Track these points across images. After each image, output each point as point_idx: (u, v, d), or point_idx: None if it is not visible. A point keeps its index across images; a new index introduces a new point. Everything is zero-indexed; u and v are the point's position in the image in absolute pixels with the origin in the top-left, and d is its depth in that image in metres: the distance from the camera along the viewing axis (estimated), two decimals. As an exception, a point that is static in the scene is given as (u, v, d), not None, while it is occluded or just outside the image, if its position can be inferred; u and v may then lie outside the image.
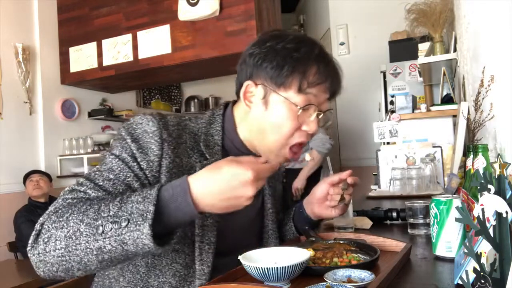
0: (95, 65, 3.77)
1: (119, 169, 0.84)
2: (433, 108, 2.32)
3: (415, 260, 0.87)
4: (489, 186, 0.59)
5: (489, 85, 1.32)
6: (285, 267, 0.70)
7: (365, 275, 0.73)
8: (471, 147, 1.02)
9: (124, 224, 0.70)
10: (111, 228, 0.70)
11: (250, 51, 0.93)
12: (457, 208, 0.83)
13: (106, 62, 3.72)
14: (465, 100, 1.75)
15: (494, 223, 0.56)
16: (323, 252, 0.88)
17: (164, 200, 0.73)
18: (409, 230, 1.12)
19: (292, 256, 0.77)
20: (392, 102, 3.33)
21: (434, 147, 2.13)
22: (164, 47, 3.45)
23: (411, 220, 1.12)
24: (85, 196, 0.80)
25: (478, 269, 0.54)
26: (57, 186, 3.71)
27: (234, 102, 1.00)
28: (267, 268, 0.70)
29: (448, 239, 0.84)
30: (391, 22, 3.59)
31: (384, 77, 3.66)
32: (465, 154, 1.20)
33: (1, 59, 3.44)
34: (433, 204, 0.87)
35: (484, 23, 1.42)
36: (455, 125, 2.05)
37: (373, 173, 2.44)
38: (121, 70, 3.67)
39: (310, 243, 0.95)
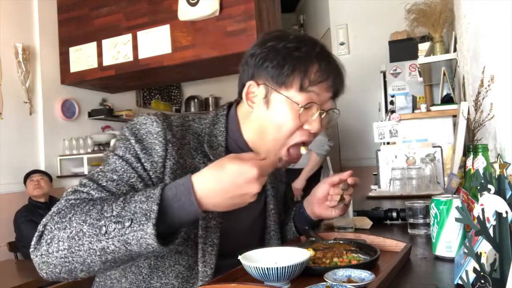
0: (95, 65, 3.77)
1: (122, 170, 0.83)
2: (433, 108, 2.32)
3: (415, 260, 0.87)
4: (489, 186, 0.59)
5: (489, 85, 1.32)
6: (285, 267, 0.70)
7: (365, 275, 0.73)
8: (471, 147, 1.02)
9: (127, 224, 0.69)
10: (114, 228, 0.70)
11: (251, 51, 0.93)
12: (457, 208, 0.83)
13: (106, 62, 3.72)
14: (465, 100, 1.75)
15: (494, 223, 0.56)
16: (323, 252, 0.88)
17: (168, 200, 0.72)
18: (409, 230, 1.12)
19: (292, 256, 0.77)
20: (392, 102, 3.33)
21: (434, 147, 2.13)
22: (164, 47, 3.45)
23: (411, 220, 1.12)
24: (88, 197, 0.79)
25: (478, 269, 0.54)
26: (57, 186, 3.71)
27: (238, 102, 1.00)
28: (267, 268, 0.70)
29: (448, 239, 0.84)
30: (391, 22, 3.59)
31: (384, 77, 3.66)
32: (465, 154, 1.20)
33: (1, 59, 3.44)
34: (433, 204, 0.87)
35: (484, 23, 1.42)
36: (455, 125, 2.05)
37: (373, 173, 2.44)
38: (121, 70, 3.67)
39: (310, 243, 0.95)
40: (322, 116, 0.91)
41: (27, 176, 3.33)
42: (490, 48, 1.36)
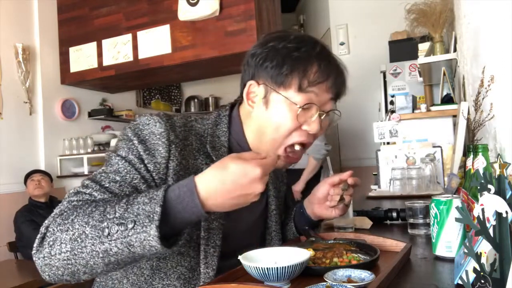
0: (95, 65, 3.77)
1: (125, 171, 0.83)
2: (433, 108, 2.32)
3: (415, 260, 0.87)
4: (489, 186, 0.59)
5: (489, 85, 1.32)
6: (285, 267, 0.70)
7: (365, 275, 0.73)
8: (471, 147, 1.02)
9: (130, 226, 0.69)
10: (117, 230, 0.69)
11: (252, 51, 0.93)
12: (457, 208, 0.83)
13: (106, 62, 3.72)
14: (465, 100, 1.75)
15: (494, 223, 0.56)
16: (323, 252, 0.88)
17: (171, 201, 0.72)
18: (409, 230, 1.12)
19: (292, 256, 0.77)
20: (392, 102, 3.33)
21: (434, 147, 2.13)
22: (164, 47, 3.46)
23: (411, 220, 1.12)
24: (90, 198, 0.79)
25: (478, 269, 0.54)
26: (57, 186, 3.71)
27: (240, 102, 0.99)
28: (267, 268, 0.70)
29: (448, 239, 0.84)
30: (391, 22, 3.59)
31: (384, 77, 3.66)
32: (465, 154, 1.20)
33: (1, 59, 3.44)
34: (433, 204, 0.87)
35: (484, 23, 1.42)
36: (455, 125, 2.05)
37: (373, 173, 2.44)
38: (121, 70, 3.67)
39: (310, 243, 0.95)
40: (322, 117, 0.90)
41: (28, 176, 3.33)
42: (490, 48, 1.36)
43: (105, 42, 3.72)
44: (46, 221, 0.77)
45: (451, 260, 0.82)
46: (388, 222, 1.29)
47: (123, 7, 3.66)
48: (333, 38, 4.31)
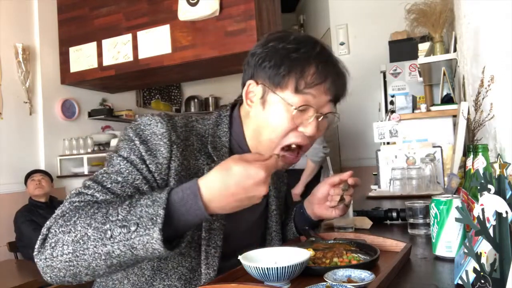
0: (95, 65, 3.77)
1: (127, 171, 0.82)
2: (433, 108, 2.32)
3: (415, 260, 0.87)
4: (489, 186, 0.59)
5: (489, 85, 1.32)
6: (285, 267, 0.70)
7: (365, 275, 0.73)
8: (471, 147, 1.02)
9: (133, 228, 0.68)
10: (120, 233, 0.69)
11: (253, 51, 0.93)
12: (457, 208, 0.83)
13: (106, 62, 3.72)
14: (465, 100, 1.75)
15: (494, 223, 0.56)
16: (323, 252, 0.88)
17: (174, 203, 0.71)
18: (409, 230, 1.12)
19: (292, 256, 0.77)
20: (392, 102, 3.33)
21: (434, 147, 2.13)
22: (164, 47, 3.46)
23: (411, 220, 1.12)
24: (92, 199, 0.78)
25: (478, 269, 0.54)
26: (57, 186, 3.71)
27: (241, 103, 0.99)
28: (267, 268, 0.70)
29: (448, 239, 0.84)
30: (391, 22, 3.59)
31: (384, 77, 3.66)
32: (465, 154, 1.20)
33: (1, 59, 3.44)
34: (433, 204, 0.87)
35: (484, 23, 1.42)
36: (455, 125, 2.05)
37: (373, 173, 2.44)
38: (121, 70, 3.67)
39: (310, 243, 0.95)
40: (319, 119, 0.89)
41: (28, 176, 3.33)
42: (490, 48, 1.36)
43: (105, 42, 3.72)
44: (47, 222, 0.76)
45: (451, 260, 0.82)
46: (388, 222, 1.29)
47: (123, 7, 3.66)
48: (333, 38, 4.31)
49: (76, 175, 3.85)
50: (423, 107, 2.31)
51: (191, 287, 0.87)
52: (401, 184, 1.99)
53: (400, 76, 3.63)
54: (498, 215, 0.56)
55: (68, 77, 3.94)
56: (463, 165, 1.43)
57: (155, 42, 3.49)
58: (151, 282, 0.87)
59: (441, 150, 2.10)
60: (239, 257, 0.75)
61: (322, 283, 0.67)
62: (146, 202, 0.71)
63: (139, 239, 0.68)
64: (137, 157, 0.84)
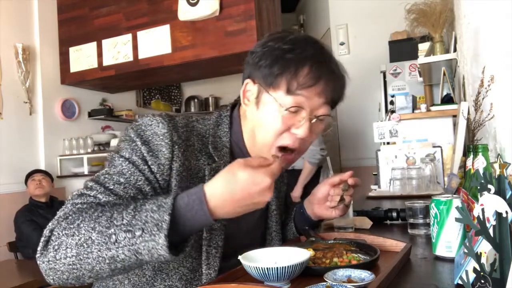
0: (95, 65, 3.77)
1: (129, 172, 0.82)
2: (433, 108, 2.32)
3: (415, 260, 0.87)
4: (489, 186, 0.59)
5: (489, 85, 1.32)
6: (285, 267, 0.70)
7: (365, 275, 0.73)
8: (471, 147, 1.02)
9: (138, 233, 0.68)
10: (125, 237, 0.69)
11: (252, 50, 0.93)
12: (457, 208, 0.83)
13: (106, 62, 3.72)
14: (465, 100, 1.75)
15: (494, 223, 0.56)
16: (323, 252, 0.88)
17: (180, 209, 0.71)
18: (409, 230, 1.12)
19: (292, 256, 0.77)
20: (392, 102, 3.33)
21: (434, 147, 2.13)
22: (164, 47, 3.46)
23: (411, 220, 1.12)
24: (95, 201, 0.78)
25: (478, 269, 0.54)
26: (57, 186, 3.71)
27: (241, 103, 0.98)
28: (267, 268, 0.70)
29: (448, 239, 0.84)
30: (391, 22, 3.59)
31: (384, 77, 3.66)
32: (465, 154, 1.20)
33: (1, 59, 3.44)
34: (433, 204, 0.87)
35: (484, 23, 1.42)
36: (455, 125, 2.05)
37: (373, 173, 2.44)
38: (121, 70, 3.67)
39: (310, 243, 0.95)
40: (312, 122, 0.88)
41: (29, 176, 3.33)
42: (490, 48, 1.36)
43: (105, 42, 3.72)
44: (50, 224, 0.76)
45: (451, 260, 0.82)
46: (388, 222, 1.29)
47: (123, 7, 3.66)
48: (333, 38, 4.31)
49: (76, 175, 3.85)
50: (423, 107, 2.31)
51: (192, 287, 0.87)
52: (401, 184, 1.99)
53: (400, 76, 3.63)
54: (498, 215, 0.56)
55: (68, 77, 3.94)
56: (463, 165, 1.43)
57: (155, 42, 3.49)
58: (152, 282, 0.87)
59: (441, 150, 2.10)
60: (239, 257, 0.75)
61: (322, 283, 0.67)
62: (151, 207, 0.70)
63: (144, 244, 0.68)
64: (139, 158, 0.83)
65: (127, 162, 0.83)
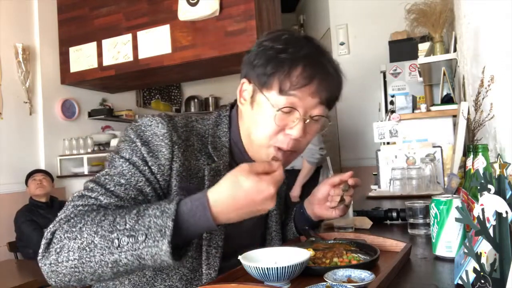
0: (95, 65, 3.77)
1: (130, 173, 0.82)
2: (433, 108, 2.32)
3: (415, 260, 0.87)
4: (489, 186, 0.59)
5: (489, 85, 1.32)
6: (285, 267, 0.70)
7: (365, 275, 0.73)
8: (471, 147, 1.02)
9: (141, 238, 0.68)
10: (128, 242, 0.69)
11: (249, 49, 0.93)
12: (457, 208, 0.83)
13: (106, 62, 3.72)
14: (465, 100, 1.75)
15: (494, 223, 0.56)
16: (323, 252, 0.88)
17: (183, 214, 0.71)
18: (409, 230, 1.12)
19: (292, 256, 0.77)
20: (392, 102, 3.33)
21: (434, 147, 2.13)
22: (164, 47, 3.46)
23: (411, 220, 1.12)
24: (96, 203, 0.78)
25: (478, 269, 0.54)
26: (57, 186, 3.71)
27: None
28: (267, 268, 0.70)
29: (448, 239, 0.84)
30: (391, 22, 3.59)
31: (384, 77, 3.66)
32: (465, 154, 1.20)
33: (1, 59, 3.44)
34: (433, 204, 0.87)
35: (484, 23, 1.42)
36: (455, 125, 2.05)
37: (373, 173, 2.44)
38: (121, 70, 3.67)
39: (310, 243, 0.95)
40: (306, 122, 0.87)
41: (29, 176, 3.33)
42: (490, 48, 1.36)
43: (105, 42, 3.72)
44: (51, 226, 0.76)
45: (451, 260, 0.82)
46: (388, 222, 1.29)
47: (123, 7, 3.66)
48: (333, 38, 4.31)
49: (76, 175, 3.85)
50: (423, 107, 2.31)
51: (192, 287, 0.87)
52: (401, 184, 1.99)
53: (400, 76, 3.63)
54: (498, 215, 0.56)
55: (68, 77, 3.94)
56: (463, 165, 1.43)
57: (155, 42, 3.49)
58: (152, 282, 0.87)
59: (441, 150, 2.10)
60: (239, 257, 0.75)
61: (322, 283, 0.67)
62: (154, 212, 0.70)
63: (147, 250, 0.68)
64: (139, 159, 0.83)
65: (127, 163, 0.83)
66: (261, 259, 0.79)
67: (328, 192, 1.02)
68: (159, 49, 3.48)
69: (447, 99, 2.58)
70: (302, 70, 0.85)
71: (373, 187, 2.24)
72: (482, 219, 0.56)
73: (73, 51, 3.89)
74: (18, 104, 3.55)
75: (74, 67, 3.88)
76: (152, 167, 0.83)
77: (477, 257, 0.55)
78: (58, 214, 0.78)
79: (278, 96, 0.85)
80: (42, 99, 3.75)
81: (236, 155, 0.96)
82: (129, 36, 3.61)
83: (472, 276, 0.55)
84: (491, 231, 0.56)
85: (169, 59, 3.46)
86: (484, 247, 0.59)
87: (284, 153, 0.90)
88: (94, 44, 3.77)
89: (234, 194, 0.70)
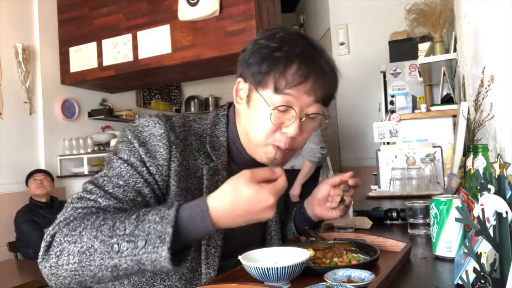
0: (95, 65, 3.77)
1: (128, 174, 0.82)
2: (433, 108, 2.32)
3: (415, 260, 0.87)
4: (489, 186, 0.59)
5: (489, 85, 1.32)
6: (285, 267, 0.70)
7: (365, 275, 0.73)
8: (471, 147, 1.02)
9: (141, 244, 0.68)
10: (127, 248, 0.69)
11: (244, 48, 0.93)
12: (457, 208, 0.83)
13: (106, 62, 3.72)
14: (465, 100, 1.75)
15: (494, 223, 0.56)
16: (323, 252, 0.88)
17: (183, 220, 0.71)
18: (409, 230, 1.12)
19: (292, 256, 0.77)
20: (392, 102, 3.33)
21: (434, 147, 2.13)
22: (164, 47, 3.45)
23: (411, 220, 1.12)
24: (95, 205, 0.78)
25: (478, 269, 0.54)
26: (57, 186, 3.71)
27: None
28: (267, 268, 0.70)
29: (448, 239, 0.84)
30: (391, 22, 3.59)
31: (384, 77, 3.66)
32: (465, 154, 1.20)
33: (1, 59, 3.44)
34: (433, 204, 0.87)
35: (484, 23, 1.42)
36: (455, 125, 2.05)
37: (373, 173, 2.44)
38: (121, 70, 3.67)
39: (310, 243, 0.95)
40: (302, 120, 0.86)
41: (30, 175, 3.33)
42: (490, 48, 1.36)
43: (105, 42, 3.72)
44: (50, 229, 0.76)
45: (451, 260, 0.82)
46: (388, 222, 1.29)
47: (123, 7, 3.66)
48: (333, 38, 4.31)
49: (76, 175, 3.85)
50: (423, 107, 2.31)
51: (192, 287, 0.87)
52: (401, 184, 1.99)
53: (400, 76, 3.63)
54: (498, 215, 0.56)
55: (68, 77, 3.93)
56: (463, 165, 1.43)
57: (155, 42, 3.49)
58: (152, 282, 0.87)
59: (441, 150, 2.10)
60: (239, 257, 0.76)
61: (322, 283, 0.67)
62: (154, 218, 0.70)
63: (147, 256, 0.68)
64: (137, 160, 0.83)
65: (125, 164, 0.83)
66: (261, 259, 0.79)
67: (328, 193, 1.02)
68: (159, 49, 3.48)
69: (447, 99, 2.58)
70: (297, 68, 0.84)
71: (373, 187, 2.24)
72: (482, 219, 0.56)
73: (73, 51, 3.88)
74: (18, 104, 3.55)
75: (74, 67, 3.88)
76: (150, 168, 0.83)
77: (477, 257, 0.55)
78: (58, 216, 0.78)
79: (274, 94, 0.85)
80: (42, 99, 3.74)
81: (234, 154, 0.96)
82: (129, 36, 3.61)
83: (472, 276, 0.55)
84: (491, 231, 0.56)
85: (169, 59, 3.46)
86: (484, 247, 0.59)
87: (282, 152, 0.90)
88: (94, 44, 3.77)
89: (234, 202, 0.71)
